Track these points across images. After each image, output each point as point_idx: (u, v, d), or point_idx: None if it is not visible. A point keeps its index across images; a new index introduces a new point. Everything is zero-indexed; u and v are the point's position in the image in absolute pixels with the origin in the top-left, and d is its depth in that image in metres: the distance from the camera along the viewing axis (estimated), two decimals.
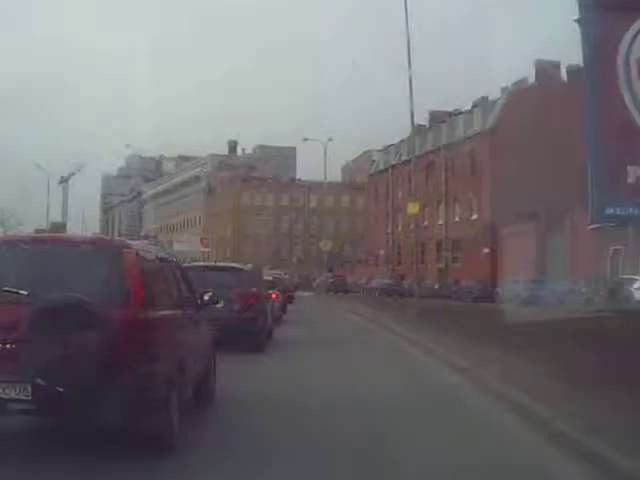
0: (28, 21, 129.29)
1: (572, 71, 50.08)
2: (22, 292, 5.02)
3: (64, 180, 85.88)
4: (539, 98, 46.75)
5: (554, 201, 43.32)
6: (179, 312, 6.33)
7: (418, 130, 60.61)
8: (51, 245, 5.67)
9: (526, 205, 44.40)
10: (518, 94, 48.93)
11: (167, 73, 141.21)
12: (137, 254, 5.61)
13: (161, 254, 6.80)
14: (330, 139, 51.07)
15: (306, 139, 51.37)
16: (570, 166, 46.70)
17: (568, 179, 45.72)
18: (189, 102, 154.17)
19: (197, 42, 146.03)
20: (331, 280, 54.46)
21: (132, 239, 46.23)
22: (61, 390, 4.75)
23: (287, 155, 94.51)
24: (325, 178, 51.72)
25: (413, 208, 22.33)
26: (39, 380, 4.77)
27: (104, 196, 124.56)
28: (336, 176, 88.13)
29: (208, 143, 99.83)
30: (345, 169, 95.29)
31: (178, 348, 5.88)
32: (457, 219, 51.94)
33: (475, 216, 49.95)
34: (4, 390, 4.88)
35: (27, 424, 5.76)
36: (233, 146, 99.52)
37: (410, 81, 22.06)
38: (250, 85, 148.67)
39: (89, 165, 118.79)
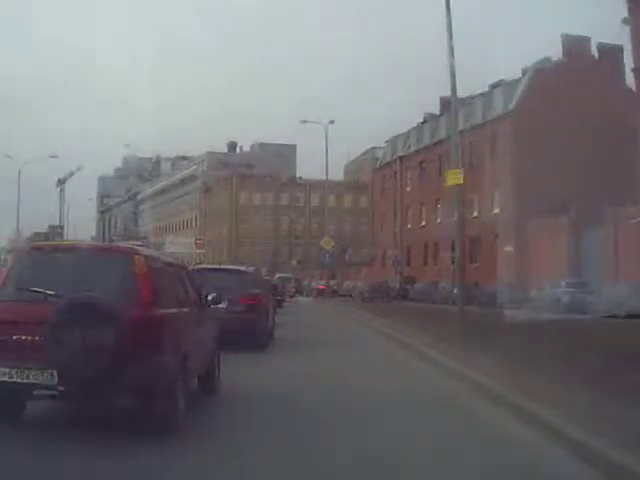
0: (28, 21, 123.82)
1: (603, 49, 43.62)
2: (48, 292, 5.59)
3: (61, 182, 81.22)
4: (568, 76, 40.16)
5: (589, 192, 36.93)
6: (185, 310, 6.75)
7: (429, 118, 54.00)
8: (74, 251, 6.29)
9: (556, 197, 37.88)
10: (545, 72, 42.03)
11: (167, 73, 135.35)
12: (147, 259, 6.09)
13: (168, 258, 7.44)
14: (332, 121, 43.96)
15: (305, 121, 44.05)
16: (607, 152, 40.17)
17: (605, 167, 39.13)
18: (189, 102, 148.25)
19: (197, 42, 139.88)
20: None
21: (124, 241, 42.55)
22: (82, 376, 5.28)
23: (287, 153, 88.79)
24: (326, 166, 44.65)
25: (454, 177, 15.00)
26: (64, 367, 5.30)
27: (100, 197, 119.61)
28: (338, 176, 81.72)
29: (208, 144, 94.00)
30: (347, 168, 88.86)
31: (184, 342, 6.30)
32: (475, 214, 44.82)
33: (496, 210, 42.81)
34: (33, 376, 5.42)
35: (50, 408, 6.29)
36: (232, 146, 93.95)
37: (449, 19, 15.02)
38: (250, 86, 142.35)
39: (87, 166, 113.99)
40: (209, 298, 7.87)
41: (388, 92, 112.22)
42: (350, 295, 45.65)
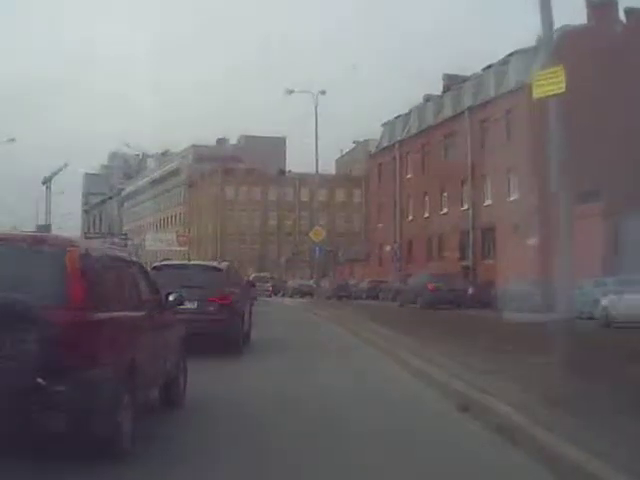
0: (27, 20, 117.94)
1: (631, 13, 37.53)
2: None
3: (47, 180, 76.94)
4: (594, 42, 33.81)
5: (624, 173, 30.90)
6: (134, 313, 5.71)
7: (430, 99, 47.39)
8: None
9: (586, 180, 31.49)
10: (568, 37, 35.48)
11: (162, 71, 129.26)
12: (82, 253, 4.97)
13: (116, 254, 6.11)
14: (323, 92, 37.05)
15: (291, 91, 37.02)
16: None
17: None
18: (181, 98, 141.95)
19: (194, 40, 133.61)
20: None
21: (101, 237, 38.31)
22: None
23: (276, 146, 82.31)
24: (316, 148, 37.86)
25: (550, 81, 7.97)
26: None
27: (85, 195, 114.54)
28: (330, 172, 75.77)
29: (200, 141, 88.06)
30: (339, 162, 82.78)
31: (129, 350, 5.31)
32: (489, 202, 38.17)
33: (514, 197, 36.20)
34: None
35: None
36: (221, 142, 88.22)
37: None
38: (241, 80, 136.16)
39: (76, 164, 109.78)
40: (170, 299, 6.70)
41: (381, 85, 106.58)
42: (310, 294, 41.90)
